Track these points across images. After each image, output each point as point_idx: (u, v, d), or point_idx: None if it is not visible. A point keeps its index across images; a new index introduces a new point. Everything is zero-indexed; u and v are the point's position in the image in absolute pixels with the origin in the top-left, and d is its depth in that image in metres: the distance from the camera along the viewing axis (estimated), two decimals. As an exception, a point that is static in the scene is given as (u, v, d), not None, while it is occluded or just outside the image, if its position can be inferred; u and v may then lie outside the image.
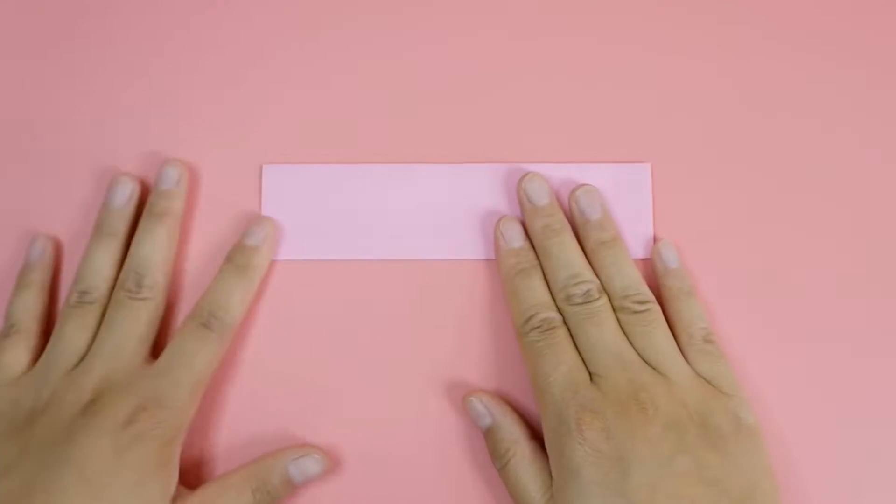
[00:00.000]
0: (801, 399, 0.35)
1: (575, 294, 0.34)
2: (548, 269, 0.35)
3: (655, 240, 0.36)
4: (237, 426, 0.35)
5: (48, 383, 0.32)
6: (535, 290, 0.34)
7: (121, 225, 0.35)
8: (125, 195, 0.36)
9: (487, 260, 0.37)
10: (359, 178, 0.37)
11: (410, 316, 0.36)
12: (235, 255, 0.35)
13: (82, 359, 0.33)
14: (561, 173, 0.37)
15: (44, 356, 0.33)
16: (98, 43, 0.38)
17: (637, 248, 0.36)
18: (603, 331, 0.33)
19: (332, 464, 0.35)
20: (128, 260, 0.34)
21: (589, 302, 0.34)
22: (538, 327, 0.33)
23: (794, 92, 0.38)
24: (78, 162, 0.37)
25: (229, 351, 0.35)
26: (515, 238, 0.35)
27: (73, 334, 0.33)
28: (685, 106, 0.38)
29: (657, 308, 0.34)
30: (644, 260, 0.36)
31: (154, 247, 0.34)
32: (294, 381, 0.36)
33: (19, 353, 0.34)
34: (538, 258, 0.35)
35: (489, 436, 0.34)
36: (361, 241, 0.37)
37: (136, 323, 0.33)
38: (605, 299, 0.34)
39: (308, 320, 0.36)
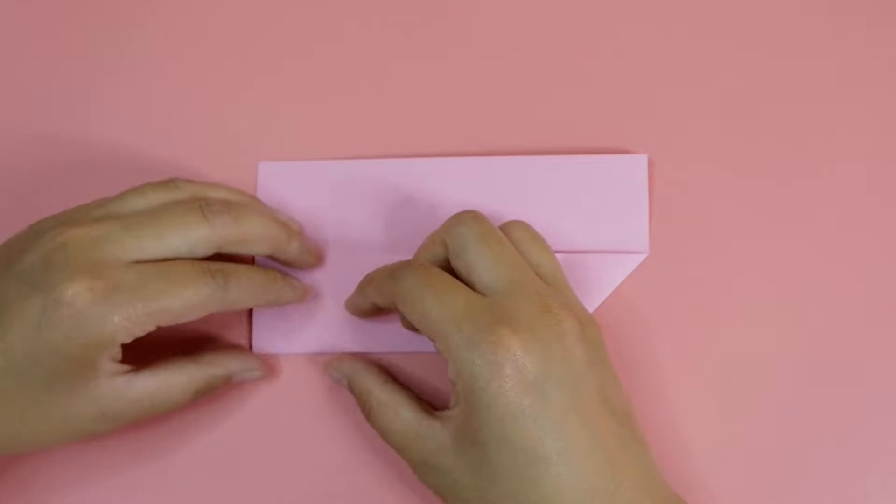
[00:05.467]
0: (795, 395, 0.35)
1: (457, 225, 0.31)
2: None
3: (650, 233, 0.36)
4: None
5: None
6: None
7: None
8: None
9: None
10: (354, 175, 0.37)
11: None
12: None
13: None
14: (554, 164, 0.36)
15: None
16: (91, 37, 0.39)
17: (631, 242, 0.35)
18: (497, 248, 0.31)
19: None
20: None
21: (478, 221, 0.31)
22: (409, 267, 0.31)
23: (793, 82, 0.37)
24: (70, 157, 0.38)
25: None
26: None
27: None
28: (683, 95, 0.37)
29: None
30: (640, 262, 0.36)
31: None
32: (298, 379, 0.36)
33: None
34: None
35: (353, 395, 0.34)
36: (358, 238, 0.36)
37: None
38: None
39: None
